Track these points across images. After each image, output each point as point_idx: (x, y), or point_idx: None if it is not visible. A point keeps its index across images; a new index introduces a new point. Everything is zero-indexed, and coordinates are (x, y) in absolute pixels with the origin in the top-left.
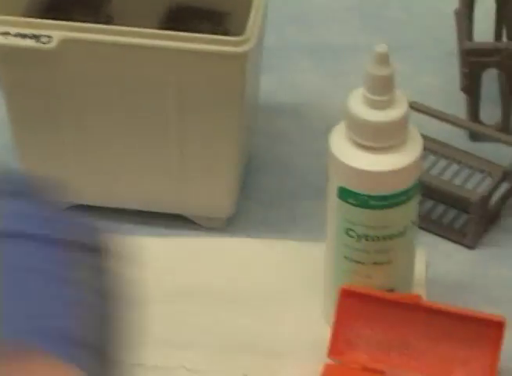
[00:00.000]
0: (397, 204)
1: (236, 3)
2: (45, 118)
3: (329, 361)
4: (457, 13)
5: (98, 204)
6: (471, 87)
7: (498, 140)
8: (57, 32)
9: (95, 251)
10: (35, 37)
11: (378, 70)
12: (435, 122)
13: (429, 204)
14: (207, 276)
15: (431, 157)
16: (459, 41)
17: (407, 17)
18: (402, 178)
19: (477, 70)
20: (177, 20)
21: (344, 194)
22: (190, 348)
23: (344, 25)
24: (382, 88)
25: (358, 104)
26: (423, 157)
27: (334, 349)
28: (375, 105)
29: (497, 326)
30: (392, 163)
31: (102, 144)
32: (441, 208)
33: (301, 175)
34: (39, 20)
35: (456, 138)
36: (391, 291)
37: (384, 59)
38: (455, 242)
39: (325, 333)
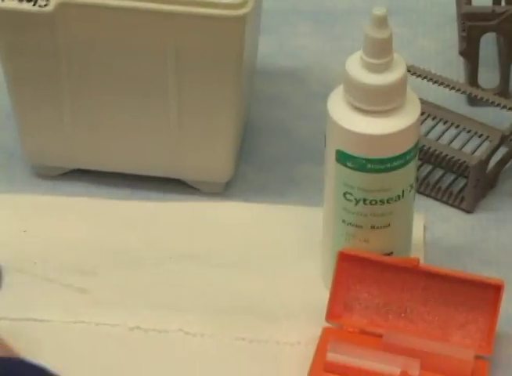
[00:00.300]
0: (395, 168)
1: None
2: (43, 82)
3: (327, 325)
4: None
5: (95, 168)
6: (470, 51)
7: (496, 104)
8: None
9: None
10: (32, 0)
11: (376, 32)
12: (433, 86)
13: (427, 168)
14: (205, 240)
15: (430, 122)
16: (458, 4)
17: None
18: (400, 141)
19: (476, 34)
20: None
21: (342, 158)
22: (188, 311)
23: None
24: (380, 51)
25: (356, 67)
26: (421, 121)
27: (332, 313)
28: (373, 68)
29: (495, 289)
30: (390, 126)
31: (100, 108)
32: (439, 173)
33: (300, 139)
34: None
35: (455, 102)
36: (389, 254)
37: (382, 22)
38: (453, 206)
39: (323, 296)
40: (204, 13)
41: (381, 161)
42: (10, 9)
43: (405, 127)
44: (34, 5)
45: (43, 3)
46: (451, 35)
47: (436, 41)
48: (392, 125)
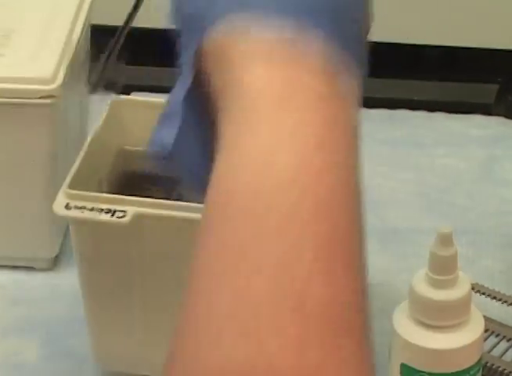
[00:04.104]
0: None
1: None
2: (117, 290)
3: None
4: None
5: None
6: None
7: None
8: (131, 207)
9: None
10: (110, 211)
11: (442, 250)
12: (497, 304)
13: None
14: None
15: (493, 339)
16: None
17: (470, 203)
18: (464, 356)
19: None
20: None
21: (407, 372)
22: None
23: (410, 209)
24: (445, 268)
25: (421, 283)
26: (484, 338)
27: None
28: (438, 284)
29: None
30: (454, 341)
31: (172, 315)
32: None
33: None
34: (114, 196)
35: None
36: None
37: (447, 240)
38: None
39: None
40: None
41: None
42: (89, 219)
43: (468, 343)
44: (112, 216)
45: (120, 214)
46: None
47: (500, 261)
48: (456, 341)
